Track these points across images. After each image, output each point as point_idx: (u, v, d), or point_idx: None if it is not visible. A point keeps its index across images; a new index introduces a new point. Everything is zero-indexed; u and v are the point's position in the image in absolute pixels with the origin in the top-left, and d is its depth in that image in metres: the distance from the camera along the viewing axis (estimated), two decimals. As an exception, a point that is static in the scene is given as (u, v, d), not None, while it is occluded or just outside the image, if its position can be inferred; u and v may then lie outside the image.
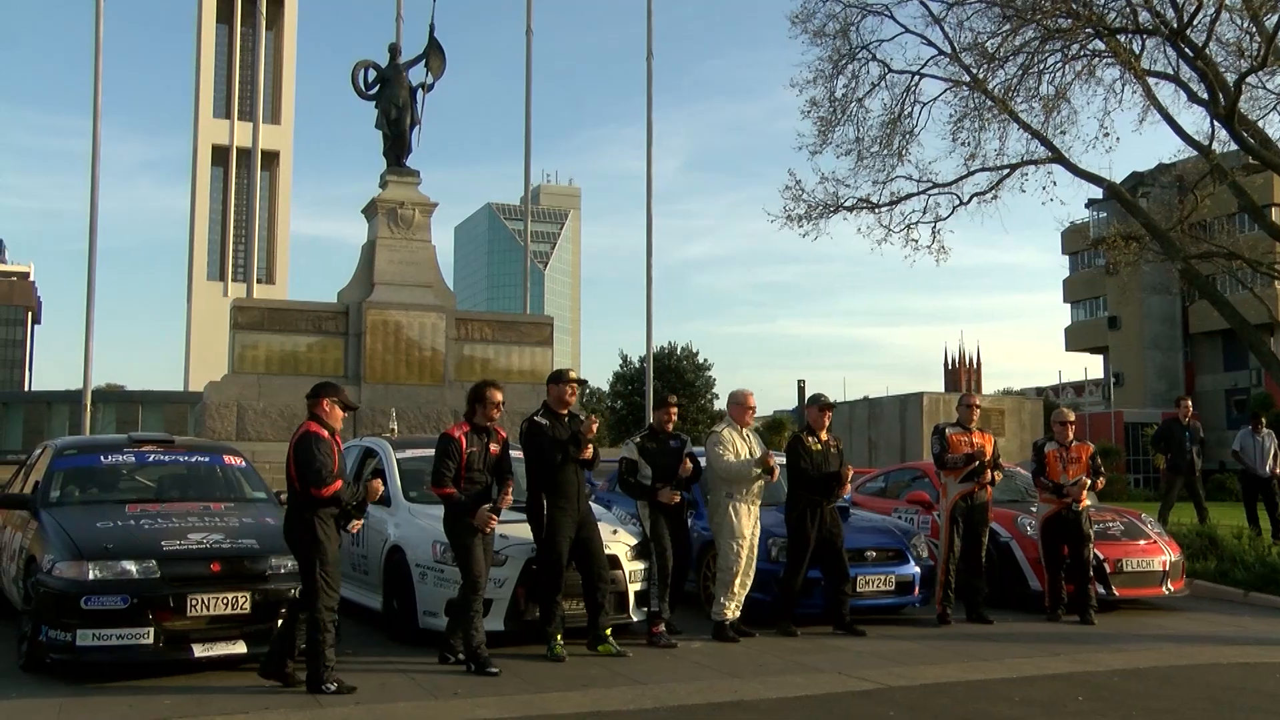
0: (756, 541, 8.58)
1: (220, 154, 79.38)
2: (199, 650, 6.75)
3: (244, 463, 9.11)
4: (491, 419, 7.57)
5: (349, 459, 10.36)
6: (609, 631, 7.80)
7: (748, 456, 8.58)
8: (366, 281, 19.60)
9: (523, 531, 8.04)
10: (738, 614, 8.48)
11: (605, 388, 57.76)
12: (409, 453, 9.63)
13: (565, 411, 7.90)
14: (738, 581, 8.46)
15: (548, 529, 7.60)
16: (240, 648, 6.87)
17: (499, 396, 7.60)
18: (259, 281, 77.45)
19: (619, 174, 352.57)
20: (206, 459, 9.07)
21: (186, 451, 9.14)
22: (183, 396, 47.91)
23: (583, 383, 8.63)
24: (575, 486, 7.73)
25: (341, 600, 7.84)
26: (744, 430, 8.78)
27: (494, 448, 7.55)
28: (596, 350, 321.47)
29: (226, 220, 79.82)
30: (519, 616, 7.83)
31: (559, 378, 8.02)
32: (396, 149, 20.19)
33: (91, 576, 6.66)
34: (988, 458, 9.46)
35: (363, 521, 7.11)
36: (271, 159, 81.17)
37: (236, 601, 6.88)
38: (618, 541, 8.29)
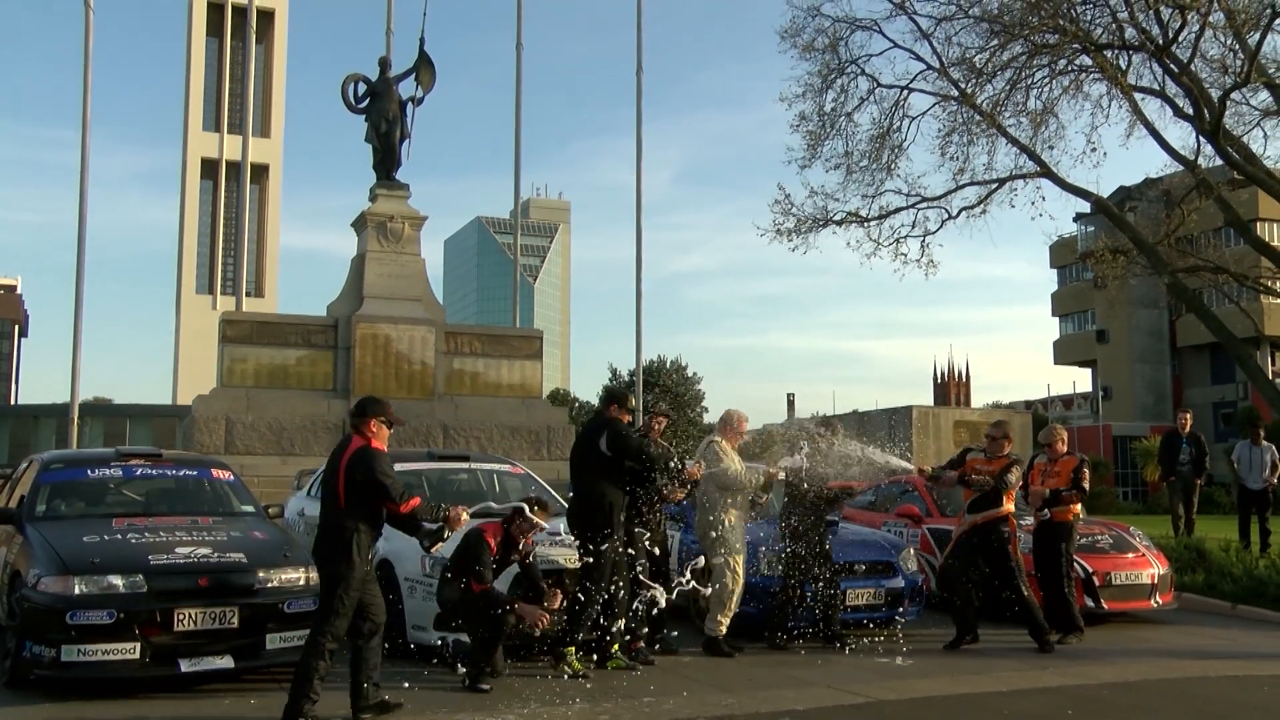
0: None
1: (210, 167, 79.28)
2: (186, 665, 6.70)
3: (232, 476, 9.07)
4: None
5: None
6: (615, 647, 7.77)
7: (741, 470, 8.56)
8: (356, 295, 19.57)
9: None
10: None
11: (594, 401, 57.54)
12: (398, 467, 9.52)
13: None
14: (735, 597, 8.42)
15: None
16: (227, 662, 6.83)
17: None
18: (248, 295, 77.27)
19: (609, 187, 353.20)
20: (194, 473, 9.03)
21: (174, 465, 9.09)
22: (171, 410, 47.70)
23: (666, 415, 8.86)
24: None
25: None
26: (735, 446, 8.74)
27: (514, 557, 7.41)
28: (586, 363, 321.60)
29: (216, 233, 79.64)
30: (509, 630, 7.76)
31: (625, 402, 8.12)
32: (386, 162, 20.20)
33: (77, 591, 6.61)
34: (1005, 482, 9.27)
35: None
36: (261, 172, 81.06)
37: (224, 616, 6.84)
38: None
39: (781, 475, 8.74)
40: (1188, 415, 15.96)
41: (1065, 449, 9.69)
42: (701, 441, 9.02)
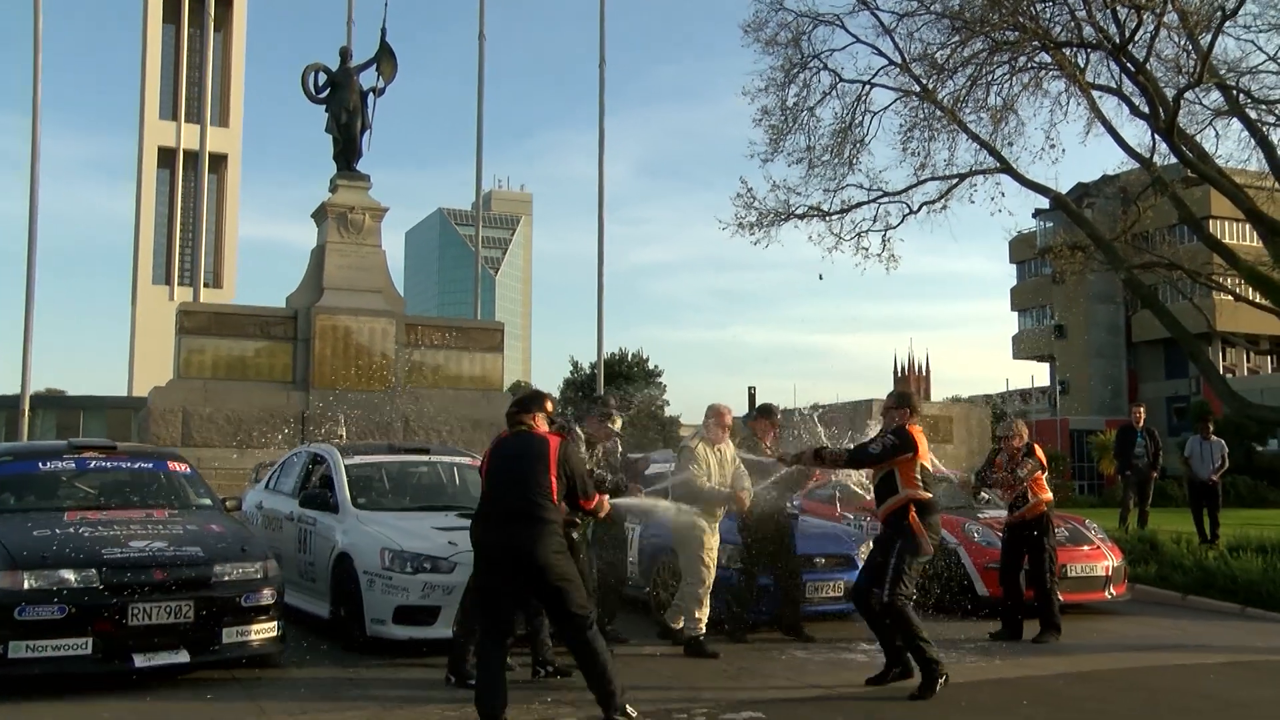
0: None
1: (166, 156, 78.03)
2: (140, 661, 6.62)
3: (189, 469, 8.97)
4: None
5: (295, 466, 10.28)
6: None
7: (719, 476, 8.40)
8: (316, 286, 19.39)
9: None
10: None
11: (555, 393, 57.48)
12: (357, 459, 9.59)
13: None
14: (708, 595, 8.35)
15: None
16: (183, 657, 6.76)
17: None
18: (206, 285, 76.13)
19: (571, 179, 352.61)
20: (150, 465, 8.90)
21: (129, 457, 8.96)
22: (126, 402, 47.01)
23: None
24: None
25: (289, 608, 7.79)
26: (716, 446, 8.53)
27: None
28: (547, 356, 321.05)
29: (173, 223, 78.37)
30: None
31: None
32: (347, 153, 20.01)
33: (27, 586, 6.50)
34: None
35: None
36: (219, 161, 79.92)
37: (180, 610, 6.76)
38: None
39: (748, 503, 8.45)
40: (1141, 409, 16.23)
41: (1021, 444, 9.51)
42: (679, 444, 8.88)
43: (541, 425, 6.38)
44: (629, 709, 5.92)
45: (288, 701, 6.50)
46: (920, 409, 7.54)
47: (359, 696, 6.68)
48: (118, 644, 6.59)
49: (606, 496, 6.80)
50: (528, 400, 6.53)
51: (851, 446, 7.53)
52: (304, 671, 7.31)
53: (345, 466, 9.28)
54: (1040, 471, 9.29)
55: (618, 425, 8.10)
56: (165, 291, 74.47)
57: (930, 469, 7.31)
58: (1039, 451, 9.40)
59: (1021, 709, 6.63)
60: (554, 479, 6.07)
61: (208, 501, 8.56)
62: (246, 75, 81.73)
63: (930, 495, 7.18)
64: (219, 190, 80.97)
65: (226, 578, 7.00)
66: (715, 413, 8.67)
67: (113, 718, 6.07)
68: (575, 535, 7.03)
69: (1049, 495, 9.35)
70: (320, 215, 20.01)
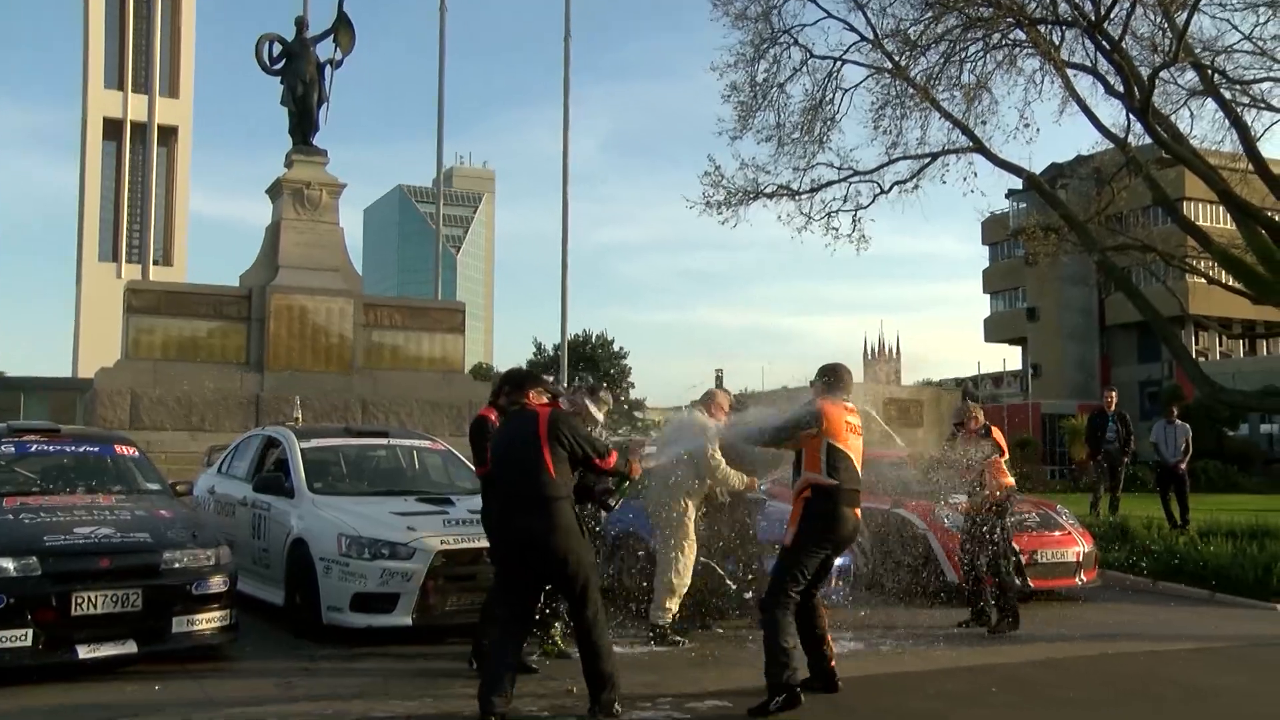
0: None
1: (113, 127, 76.72)
2: (84, 652, 6.54)
3: (136, 453, 8.87)
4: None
5: (249, 449, 10.20)
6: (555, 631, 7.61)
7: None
8: (271, 264, 19.21)
9: (432, 524, 8.01)
10: None
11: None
12: (314, 442, 9.54)
13: None
14: (683, 586, 8.31)
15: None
16: (131, 648, 6.69)
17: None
18: (155, 263, 75.16)
19: (535, 156, 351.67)
20: (95, 449, 8.79)
21: (73, 441, 8.85)
22: (71, 384, 46.37)
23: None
24: None
25: (242, 595, 7.73)
26: None
27: None
28: (510, 337, 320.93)
29: (120, 198, 77.18)
30: (428, 611, 7.75)
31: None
32: (303, 127, 19.82)
33: (-37, 575, 6.40)
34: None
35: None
36: (169, 134, 78.71)
37: (127, 598, 6.69)
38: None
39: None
40: (1113, 394, 16.42)
41: (977, 427, 9.44)
42: (675, 419, 8.79)
43: (539, 402, 6.32)
44: (617, 707, 5.89)
45: (240, 692, 6.46)
46: (848, 385, 6.76)
47: (314, 686, 6.64)
48: (60, 634, 6.51)
49: (635, 457, 6.74)
50: (521, 378, 6.52)
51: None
52: (257, 661, 7.26)
53: (301, 450, 9.22)
54: (998, 455, 9.20)
55: (601, 414, 7.88)
56: (112, 269, 73.42)
57: (845, 451, 6.46)
58: (998, 435, 9.36)
59: (991, 696, 6.71)
60: (548, 454, 5.97)
61: (157, 486, 8.47)
62: (197, 43, 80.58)
63: (834, 481, 6.37)
64: (168, 164, 79.83)
65: (176, 565, 6.94)
66: (714, 397, 8.74)
67: (51, 711, 5.99)
68: (614, 503, 7.15)
69: (1009, 480, 9.28)
70: (275, 191, 19.82)
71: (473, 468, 8.01)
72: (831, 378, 6.71)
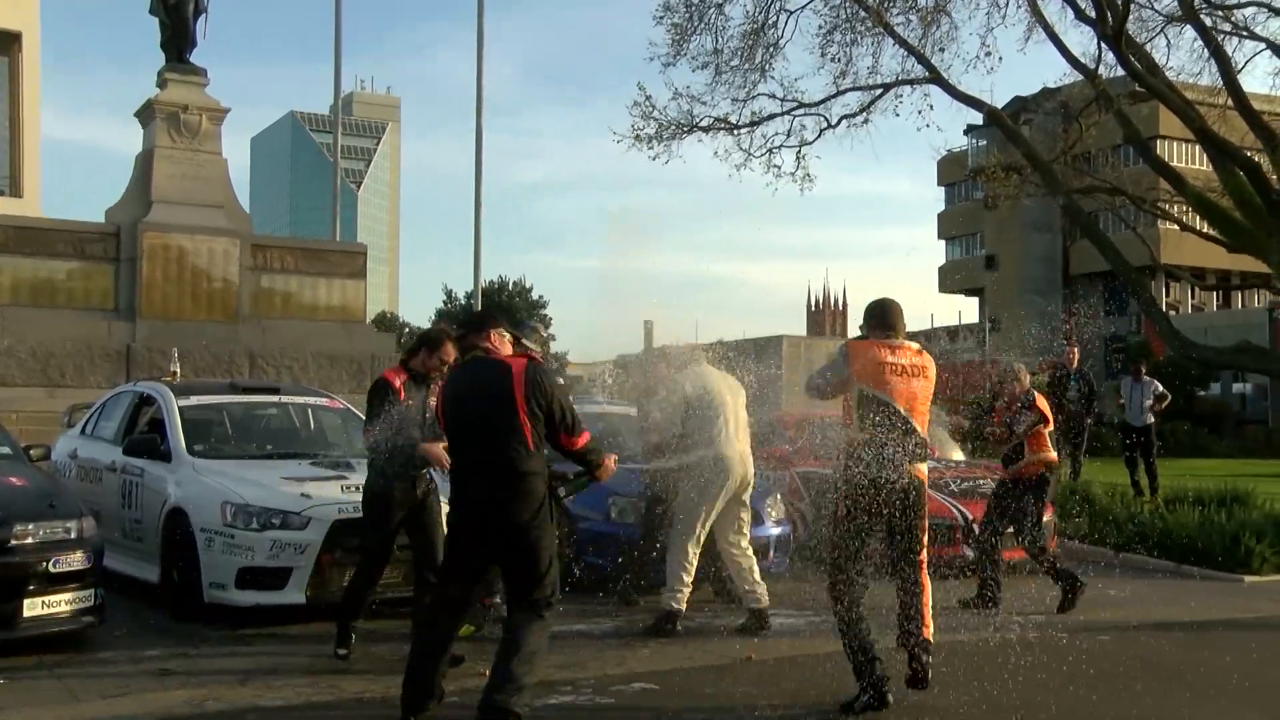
0: None
1: (-51, 36, 74.11)
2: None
3: (-16, 412, 8.64)
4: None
5: (119, 408, 10.00)
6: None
7: None
8: (142, 198, 18.73)
9: (328, 491, 7.95)
10: None
11: (426, 326, 57.02)
12: (194, 400, 9.43)
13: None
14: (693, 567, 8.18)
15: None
16: (-30, 632, 6.54)
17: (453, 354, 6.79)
18: (2, 194, 73.17)
19: (445, 83, 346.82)
20: (-65, 407, 8.54)
21: (-89, 398, 8.59)
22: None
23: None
24: None
25: (110, 573, 7.60)
26: None
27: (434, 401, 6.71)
28: (417, 284, 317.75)
29: (-41, 118, 74.81)
30: (324, 587, 7.72)
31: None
32: (178, 41, 19.24)
33: None
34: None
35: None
36: (11, 42, 75.88)
37: (-34, 578, 6.53)
38: None
39: None
40: (1075, 350, 16.70)
41: (1022, 392, 9.48)
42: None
43: (503, 348, 5.65)
44: (524, 706, 5.30)
45: (106, 682, 6.35)
46: (895, 321, 6.25)
47: (195, 674, 6.56)
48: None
49: (609, 457, 5.92)
50: (480, 318, 5.93)
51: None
52: (127, 649, 7.14)
53: (180, 408, 9.10)
54: (1042, 425, 9.32)
55: (537, 347, 7.55)
56: (-47, 201, 71.14)
57: (881, 396, 6.01)
58: (1042, 402, 9.39)
59: (942, 676, 6.84)
60: (525, 419, 5.37)
61: (6, 450, 8.27)
62: (52, -59, 77.72)
63: (865, 434, 5.99)
64: (12, 77, 77.04)
65: (29, 539, 6.80)
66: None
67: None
68: (563, 493, 5.99)
69: (1051, 454, 9.39)
70: (147, 115, 19.27)
71: None
72: (874, 316, 6.29)
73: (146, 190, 18.74)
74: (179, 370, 13.29)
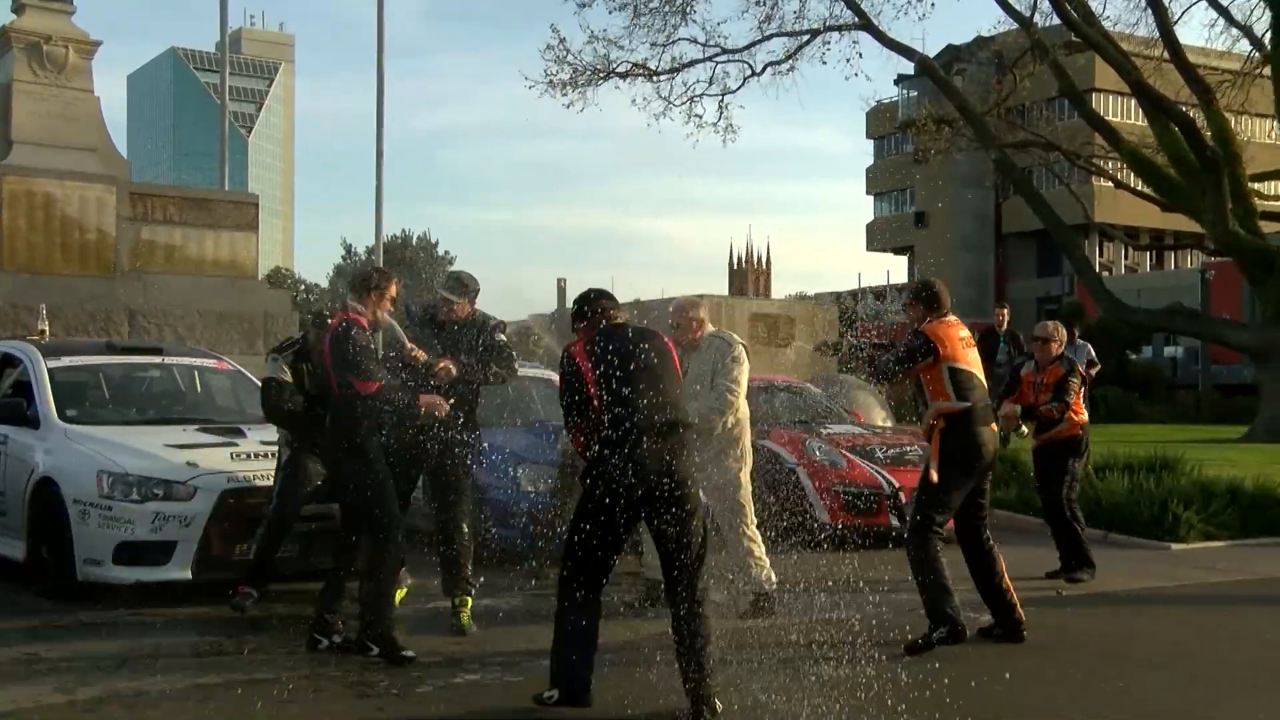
0: None
1: None
2: None
3: None
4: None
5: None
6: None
7: None
8: (2, 139, 18.22)
9: (216, 459, 7.86)
10: None
11: (324, 284, 56.39)
12: (65, 360, 9.30)
13: None
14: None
15: None
16: None
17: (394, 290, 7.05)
18: None
19: (343, 19, 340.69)
20: None
21: None
22: None
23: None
24: None
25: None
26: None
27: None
28: (314, 238, 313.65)
29: None
30: (212, 562, 7.65)
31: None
32: (38, -40, 18.67)
33: None
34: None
35: None
36: None
37: None
38: None
39: None
40: (1005, 311, 16.93)
41: (1058, 352, 9.58)
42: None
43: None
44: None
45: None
46: (947, 299, 7.65)
47: (66, 660, 6.44)
48: None
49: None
50: (598, 292, 6.10)
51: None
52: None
53: (49, 370, 8.96)
54: (1081, 386, 9.52)
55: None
56: None
57: (968, 370, 7.29)
58: (1075, 383, 9.43)
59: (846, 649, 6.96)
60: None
61: None
62: None
63: (966, 404, 7.15)
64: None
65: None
66: (691, 308, 8.28)
67: None
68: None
69: (1084, 415, 9.62)
70: (3, 44, 18.69)
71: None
72: (931, 296, 7.52)
73: (5, 130, 18.21)
74: (48, 329, 13.01)
